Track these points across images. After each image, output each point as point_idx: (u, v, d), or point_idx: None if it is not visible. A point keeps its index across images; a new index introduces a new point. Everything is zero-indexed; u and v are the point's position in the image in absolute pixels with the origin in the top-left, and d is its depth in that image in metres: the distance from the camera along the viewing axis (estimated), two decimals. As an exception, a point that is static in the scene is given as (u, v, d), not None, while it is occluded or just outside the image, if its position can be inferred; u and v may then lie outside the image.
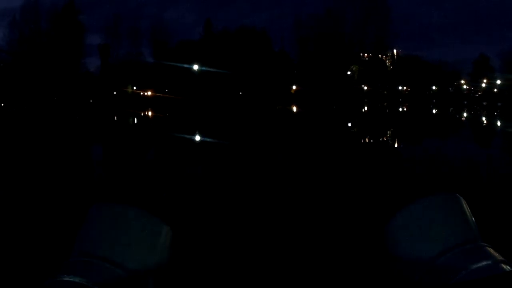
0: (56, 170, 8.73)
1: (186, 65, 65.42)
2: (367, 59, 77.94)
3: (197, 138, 16.56)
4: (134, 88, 70.17)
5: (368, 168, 8.99)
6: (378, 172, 8.44)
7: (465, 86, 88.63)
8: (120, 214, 0.78)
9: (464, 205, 0.81)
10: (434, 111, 46.99)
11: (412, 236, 0.79)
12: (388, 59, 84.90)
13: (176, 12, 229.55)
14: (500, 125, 26.20)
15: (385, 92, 77.13)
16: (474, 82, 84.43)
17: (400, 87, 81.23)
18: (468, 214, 0.80)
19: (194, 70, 68.06)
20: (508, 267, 0.68)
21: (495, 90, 79.19)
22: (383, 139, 16.72)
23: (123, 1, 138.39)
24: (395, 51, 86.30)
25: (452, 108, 53.96)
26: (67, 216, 4.77)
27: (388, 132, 20.16)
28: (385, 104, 66.12)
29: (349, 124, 26.60)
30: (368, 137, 17.89)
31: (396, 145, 14.80)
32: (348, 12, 74.07)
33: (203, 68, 65.73)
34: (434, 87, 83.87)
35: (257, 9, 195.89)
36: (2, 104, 53.19)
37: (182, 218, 4.72)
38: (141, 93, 70.78)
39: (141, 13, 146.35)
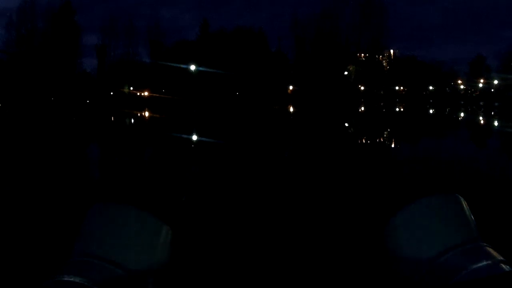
0: (55, 170, 8.71)
1: (183, 66, 65.46)
2: (363, 59, 78.04)
3: (195, 138, 16.55)
4: (131, 88, 70.15)
5: (367, 168, 8.99)
6: (377, 172, 8.44)
7: (462, 86, 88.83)
8: (120, 214, 0.78)
9: (464, 205, 0.81)
10: (431, 111, 47.01)
11: (412, 236, 0.78)
12: (384, 59, 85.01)
13: (171, 11, 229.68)
14: (498, 125, 26.26)
15: (381, 92, 77.21)
16: (471, 82, 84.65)
17: (396, 87, 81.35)
18: (468, 214, 0.80)
19: (191, 71, 68.09)
20: (508, 267, 0.68)
21: (492, 90, 79.41)
22: (380, 139, 16.72)
23: (119, 1, 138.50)
24: (391, 51, 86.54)
25: (449, 108, 54.00)
26: (67, 216, 4.76)
27: (385, 132, 20.17)
28: (381, 104, 66.16)
29: (346, 124, 26.62)
30: (365, 137, 17.90)
31: (393, 145, 14.81)
32: (345, 12, 74.32)
33: (200, 69, 65.80)
34: (431, 87, 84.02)
35: (253, 8, 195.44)
36: (0, 105, 53.06)
37: (182, 218, 4.71)
38: (138, 94, 70.75)
39: (137, 13, 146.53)
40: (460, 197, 0.82)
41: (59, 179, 7.68)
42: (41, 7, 66.68)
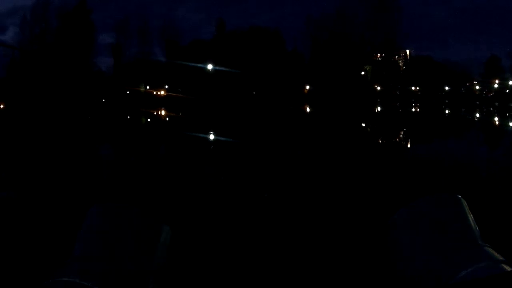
0: (61, 169, 8.79)
1: (199, 65, 65.59)
2: (379, 59, 77.65)
3: (211, 137, 16.59)
4: (147, 87, 70.47)
5: (372, 168, 8.98)
6: (382, 172, 8.44)
7: (477, 87, 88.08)
8: (120, 214, 0.78)
9: (464, 206, 0.81)
10: (446, 111, 46.69)
11: (412, 236, 0.79)
12: (400, 59, 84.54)
13: (183, 11, 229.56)
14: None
15: (397, 93, 76.80)
16: (485, 83, 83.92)
17: (412, 88, 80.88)
18: (468, 214, 0.80)
19: (208, 70, 68.20)
20: (508, 267, 0.68)
21: (507, 91, 78.63)
22: (396, 140, 16.66)
23: (133, 0, 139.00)
24: (407, 51, 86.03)
25: (464, 109, 53.60)
26: (67, 216, 4.82)
27: (401, 133, 20.09)
28: (397, 104, 65.83)
29: (363, 124, 26.54)
30: (381, 137, 17.87)
31: (408, 145, 14.78)
32: (359, 12, 74.07)
33: (216, 68, 65.90)
34: (446, 88, 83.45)
35: (266, 8, 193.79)
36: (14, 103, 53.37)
37: (182, 218, 4.76)
38: (154, 93, 71.05)
39: (150, 12, 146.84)
40: (461, 197, 0.82)
41: (63, 179, 7.74)
42: (56, 5, 67.00)
